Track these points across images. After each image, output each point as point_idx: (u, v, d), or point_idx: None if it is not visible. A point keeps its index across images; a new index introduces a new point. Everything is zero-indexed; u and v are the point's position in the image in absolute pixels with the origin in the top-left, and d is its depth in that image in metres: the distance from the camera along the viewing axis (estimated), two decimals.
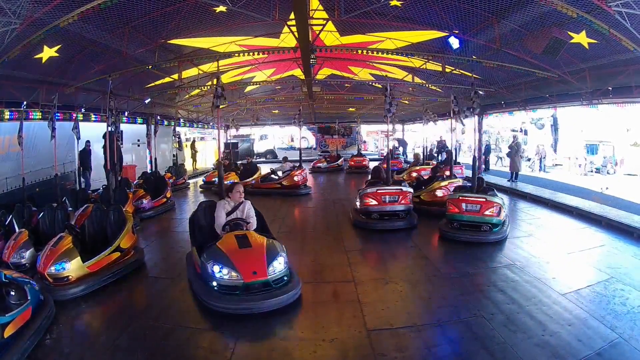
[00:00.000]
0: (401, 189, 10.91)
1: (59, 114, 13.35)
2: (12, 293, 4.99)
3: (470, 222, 9.41)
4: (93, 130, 16.37)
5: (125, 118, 18.82)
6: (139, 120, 21.36)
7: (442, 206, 10.61)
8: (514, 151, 18.46)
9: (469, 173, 13.68)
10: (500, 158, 29.92)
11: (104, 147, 14.25)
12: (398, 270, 7.69)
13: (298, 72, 18.24)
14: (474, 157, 11.32)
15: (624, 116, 23.22)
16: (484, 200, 9.39)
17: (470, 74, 15.58)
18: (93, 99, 16.18)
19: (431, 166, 15.70)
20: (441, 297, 6.39)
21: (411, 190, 11.25)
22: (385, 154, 18.55)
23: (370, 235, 10.27)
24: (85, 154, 16.30)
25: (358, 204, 11.24)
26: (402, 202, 10.76)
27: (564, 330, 5.11)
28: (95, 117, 16.86)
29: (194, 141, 30.51)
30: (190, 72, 16.06)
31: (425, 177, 14.67)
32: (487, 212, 9.29)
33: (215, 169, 20.47)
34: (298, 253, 8.75)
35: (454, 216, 9.61)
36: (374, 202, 10.74)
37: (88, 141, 16.19)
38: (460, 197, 9.67)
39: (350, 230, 10.75)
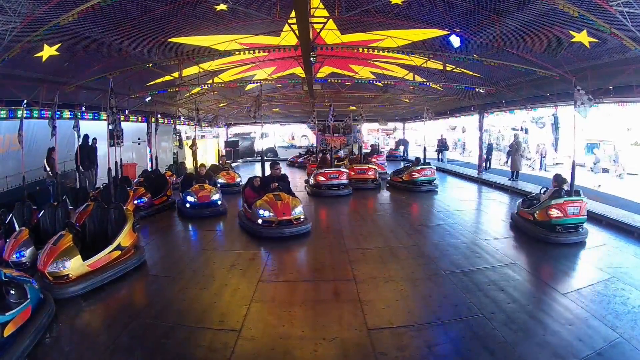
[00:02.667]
0: (340, 170, 16.57)
1: (59, 112, 13.34)
2: (12, 292, 5.00)
3: None
4: (94, 128, 16.35)
5: (124, 116, 18.82)
6: (138, 118, 21.35)
7: None
8: (514, 150, 18.50)
9: None
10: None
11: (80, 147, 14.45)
12: (398, 269, 7.67)
13: (299, 70, 18.23)
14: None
15: (625, 115, 23.21)
16: None
17: (471, 73, 15.64)
18: (94, 97, 16.18)
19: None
20: (442, 296, 6.39)
21: (347, 170, 16.88)
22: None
23: (370, 235, 10.28)
24: (93, 151, 16.27)
25: (312, 181, 16.59)
26: (341, 178, 16.21)
27: (565, 329, 5.11)
28: (95, 115, 16.86)
29: (194, 139, 30.48)
30: (190, 70, 16.05)
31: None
32: None
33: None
34: (297, 252, 8.79)
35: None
36: (323, 179, 16.04)
37: (95, 138, 16.13)
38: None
39: (349, 228, 10.75)
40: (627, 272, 7.11)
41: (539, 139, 28.84)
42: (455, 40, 11.61)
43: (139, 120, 21.45)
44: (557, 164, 27.41)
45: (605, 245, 8.85)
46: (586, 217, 9.59)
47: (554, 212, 9.30)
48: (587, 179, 21.01)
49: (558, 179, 9.96)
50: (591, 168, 25.79)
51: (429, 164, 17.44)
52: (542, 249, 8.62)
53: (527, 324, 5.28)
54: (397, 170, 18.52)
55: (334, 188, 15.95)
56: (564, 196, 9.48)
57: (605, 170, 25.34)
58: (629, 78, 12.16)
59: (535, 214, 9.80)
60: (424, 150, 18.99)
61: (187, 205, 12.46)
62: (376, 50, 13.29)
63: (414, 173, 16.83)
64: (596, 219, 10.87)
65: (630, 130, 25.32)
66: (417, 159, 17.75)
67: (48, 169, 13.60)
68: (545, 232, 9.27)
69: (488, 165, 24.66)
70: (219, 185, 14.95)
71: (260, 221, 9.94)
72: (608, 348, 4.68)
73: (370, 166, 18.28)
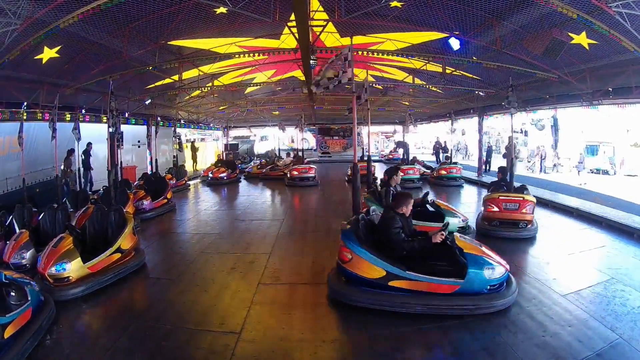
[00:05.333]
0: (309, 166, 20.77)
1: (59, 115, 13.35)
2: (13, 293, 5.00)
3: None
4: (94, 131, 16.39)
5: (124, 119, 18.87)
6: (138, 121, 21.40)
7: None
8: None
9: None
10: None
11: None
12: None
13: (298, 73, 18.26)
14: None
15: (624, 117, 23.24)
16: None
17: (470, 75, 15.65)
18: (94, 99, 16.20)
19: None
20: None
21: (315, 167, 21.22)
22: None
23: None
24: (86, 155, 16.34)
25: (288, 174, 20.30)
26: (310, 172, 20.24)
27: (565, 331, 5.10)
28: (95, 118, 16.88)
29: (194, 142, 30.49)
30: (190, 73, 16.06)
31: None
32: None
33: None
34: (298, 254, 8.78)
35: None
36: (296, 173, 20.02)
37: (89, 143, 16.20)
38: None
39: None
40: (627, 273, 7.11)
41: (538, 141, 28.83)
42: (454, 43, 11.65)
43: (139, 122, 21.49)
44: (556, 165, 27.40)
45: (604, 247, 8.83)
46: (419, 176, 19.61)
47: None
48: (574, 178, 21.29)
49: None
50: (576, 167, 25.91)
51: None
52: (540, 251, 8.60)
53: (527, 325, 5.28)
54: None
55: (304, 180, 20.08)
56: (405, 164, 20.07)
57: (605, 172, 25.34)
58: (628, 79, 12.18)
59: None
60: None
61: None
62: (376, 53, 13.31)
63: None
64: (596, 220, 10.86)
65: (630, 131, 25.34)
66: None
67: (63, 168, 14.38)
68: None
69: (488, 168, 24.63)
70: None
71: None
72: (608, 349, 4.68)
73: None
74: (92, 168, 16.61)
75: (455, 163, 20.66)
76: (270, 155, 26.35)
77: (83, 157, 16.31)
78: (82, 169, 15.88)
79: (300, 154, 24.96)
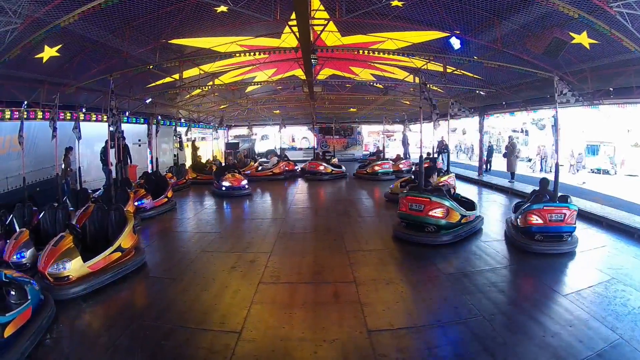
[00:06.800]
0: (319, 163, 23.15)
1: (59, 114, 13.34)
2: (13, 293, 5.00)
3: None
4: (96, 130, 16.40)
5: (125, 118, 18.87)
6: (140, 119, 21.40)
7: None
8: (509, 151, 18.61)
9: None
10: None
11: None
12: (399, 271, 7.68)
13: (299, 72, 18.23)
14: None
15: (625, 117, 23.24)
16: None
17: (471, 75, 15.62)
18: (94, 98, 16.18)
19: None
20: (442, 298, 6.39)
21: (325, 164, 23.47)
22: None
23: (371, 237, 10.31)
24: (105, 152, 16.67)
25: (305, 168, 23.57)
26: (319, 168, 22.68)
27: (565, 331, 5.11)
28: (96, 117, 16.87)
29: (194, 141, 30.43)
30: (191, 72, 16.05)
31: None
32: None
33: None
34: (298, 254, 8.77)
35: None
36: (310, 168, 23.03)
37: (107, 140, 16.47)
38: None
39: (350, 230, 10.74)
40: (628, 273, 7.11)
41: (540, 141, 28.82)
42: (455, 42, 11.62)
43: (140, 121, 21.49)
44: (572, 165, 27.42)
45: (605, 247, 8.84)
46: (393, 170, 22.46)
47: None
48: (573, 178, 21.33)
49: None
50: (573, 165, 25.94)
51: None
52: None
53: (527, 325, 5.28)
54: None
55: (316, 174, 22.62)
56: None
57: (606, 172, 25.36)
58: (629, 79, 12.14)
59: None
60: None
61: None
62: (376, 52, 13.28)
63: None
64: (596, 220, 10.87)
65: (631, 131, 25.35)
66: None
67: (63, 167, 14.44)
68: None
69: (489, 167, 24.60)
70: None
71: None
72: (608, 349, 4.68)
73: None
74: (112, 163, 16.71)
75: (447, 173, 23.67)
76: (239, 158, 26.04)
77: (101, 154, 16.96)
78: (102, 165, 16.73)
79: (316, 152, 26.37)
